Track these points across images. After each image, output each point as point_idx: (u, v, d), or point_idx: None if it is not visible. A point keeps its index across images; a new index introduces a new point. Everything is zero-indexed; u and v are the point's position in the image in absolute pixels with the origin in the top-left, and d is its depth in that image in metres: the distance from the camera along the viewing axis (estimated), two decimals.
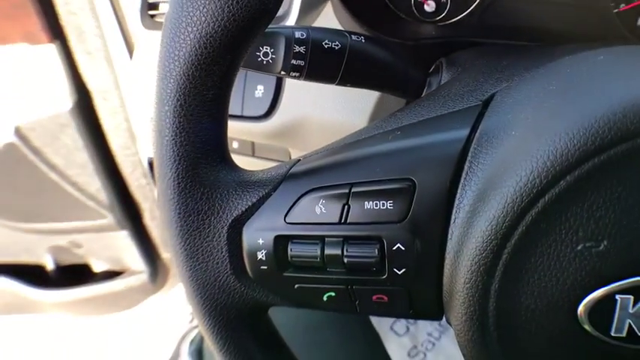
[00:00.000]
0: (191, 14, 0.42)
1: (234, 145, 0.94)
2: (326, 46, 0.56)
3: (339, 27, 0.77)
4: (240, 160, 0.93)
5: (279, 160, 0.91)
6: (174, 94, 0.44)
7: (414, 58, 0.68)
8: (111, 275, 1.50)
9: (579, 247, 0.38)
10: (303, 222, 0.46)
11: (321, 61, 0.57)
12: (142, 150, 1.23)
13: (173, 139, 0.45)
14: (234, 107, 0.83)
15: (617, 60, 0.44)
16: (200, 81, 0.43)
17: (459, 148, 0.43)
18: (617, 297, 0.39)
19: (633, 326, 0.39)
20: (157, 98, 0.45)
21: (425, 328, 1.50)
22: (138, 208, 1.37)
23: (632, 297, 0.39)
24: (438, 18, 0.80)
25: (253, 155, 0.93)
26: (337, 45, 0.57)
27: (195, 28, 0.42)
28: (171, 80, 0.44)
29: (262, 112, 0.83)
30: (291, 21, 0.77)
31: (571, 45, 0.60)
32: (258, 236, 0.47)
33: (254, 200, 0.47)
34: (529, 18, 0.79)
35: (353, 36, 0.58)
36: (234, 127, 0.87)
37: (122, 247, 1.42)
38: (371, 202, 0.44)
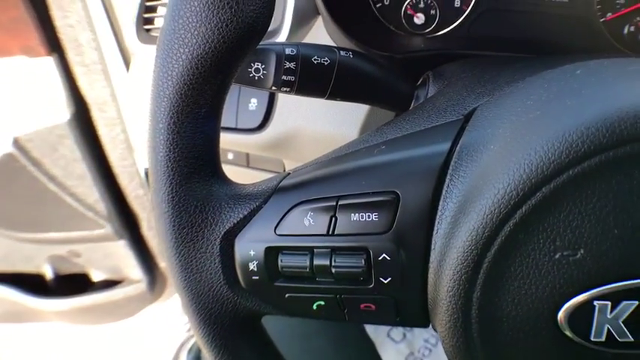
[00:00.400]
0: (183, 36, 0.44)
1: (229, 156, 0.95)
2: (315, 62, 0.58)
3: (329, 41, 0.79)
4: (235, 171, 0.95)
5: (273, 171, 0.92)
6: (167, 112, 0.45)
7: (403, 71, 0.69)
8: (109, 284, 1.51)
9: (557, 256, 0.40)
10: (292, 234, 0.48)
11: (311, 77, 0.58)
12: (139, 161, 1.24)
13: (167, 155, 0.46)
14: (228, 120, 0.85)
15: (593, 74, 0.45)
16: (192, 99, 0.45)
17: (441, 162, 0.45)
18: (596, 303, 0.40)
19: (612, 331, 0.41)
20: (151, 116, 0.46)
21: (421, 334, 1.51)
22: (136, 218, 1.38)
23: (609, 303, 0.40)
24: (427, 30, 0.82)
25: (248, 166, 0.94)
26: (326, 60, 0.58)
27: (187, 50, 0.44)
28: (165, 99, 0.45)
29: (256, 124, 0.85)
30: (282, 36, 0.79)
31: (554, 57, 0.61)
32: (249, 247, 0.49)
33: (245, 213, 0.49)
34: (516, 29, 0.81)
35: (341, 52, 0.60)
36: (228, 139, 0.88)
37: (120, 257, 1.43)
38: (357, 214, 0.46)
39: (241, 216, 0.49)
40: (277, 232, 0.48)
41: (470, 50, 0.76)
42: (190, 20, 0.43)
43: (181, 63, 0.44)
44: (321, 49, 0.59)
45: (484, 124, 0.46)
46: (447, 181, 0.44)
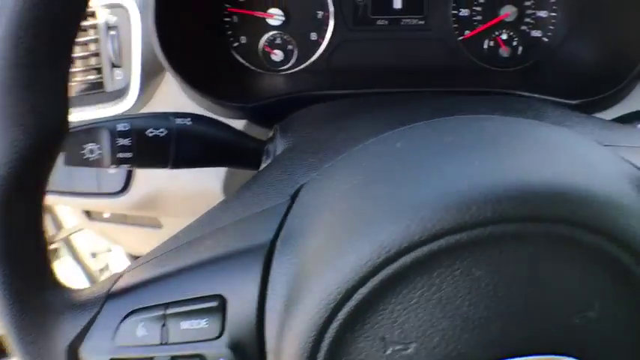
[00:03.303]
0: None
1: (105, 215, 0.91)
2: (150, 135, 0.54)
3: (181, 95, 0.74)
4: (114, 229, 0.91)
5: (151, 226, 0.88)
6: None
7: (259, 121, 0.67)
8: None
9: (389, 352, 0.38)
10: (129, 345, 0.45)
11: (149, 150, 0.55)
12: None
13: None
14: (89, 184, 0.80)
15: (410, 152, 0.43)
16: (6, 218, 0.41)
17: (262, 258, 0.42)
18: None
19: None
20: None
21: None
22: None
23: None
24: (286, 66, 0.79)
25: (126, 222, 0.90)
26: (162, 132, 0.55)
27: None
28: None
29: (119, 187, 0.80)
30: (131, 95, 0.73)
31: (396, 109, 0.59)
32: (94, 359, 0.45)
33: (84, 323, 0.45)
34: (375, 58, 0.79)
35: (178, 119, 0.56)
36: (94, 204, 0.84)
37: None
38: (187, 322, 0.43)
39: (81, 327, 0.45)
40: (116, 343, 0.45)
41: (328, 90, 0.74)
42: None
43: None
44: (156, 119, 0.56)
45: (304, 211, 0.44)
46: (270, 278, 0.42)
